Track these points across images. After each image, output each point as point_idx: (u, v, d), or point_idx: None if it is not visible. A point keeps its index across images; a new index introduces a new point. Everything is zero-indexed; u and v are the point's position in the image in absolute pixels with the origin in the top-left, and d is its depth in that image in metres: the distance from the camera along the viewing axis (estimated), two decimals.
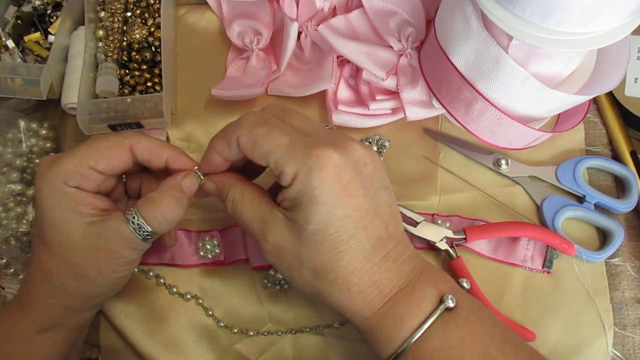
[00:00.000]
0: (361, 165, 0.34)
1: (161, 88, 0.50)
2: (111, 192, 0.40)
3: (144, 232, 0.36)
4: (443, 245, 0.45)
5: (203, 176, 0.39)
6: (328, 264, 0.33)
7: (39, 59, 0.53)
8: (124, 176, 0.42)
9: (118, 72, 0.51)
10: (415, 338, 0.32)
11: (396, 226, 0.36)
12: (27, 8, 0.54)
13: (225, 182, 0.38)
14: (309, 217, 0.33)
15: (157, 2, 0.54)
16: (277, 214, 0.35)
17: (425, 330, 0.32)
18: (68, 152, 0.37)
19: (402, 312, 0.33)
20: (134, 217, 0.36)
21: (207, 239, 0.47)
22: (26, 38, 0.53)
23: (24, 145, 0.50)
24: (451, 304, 0.33)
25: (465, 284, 0.35)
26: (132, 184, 0.42)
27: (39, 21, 0.54)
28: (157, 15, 0.53)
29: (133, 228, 0.36)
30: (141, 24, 0.52)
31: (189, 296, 0.46)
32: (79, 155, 0.37)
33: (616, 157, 0.50)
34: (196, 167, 0.39)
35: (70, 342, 0.40)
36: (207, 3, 0.55)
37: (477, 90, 0.42)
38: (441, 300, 0.33)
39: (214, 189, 0.39)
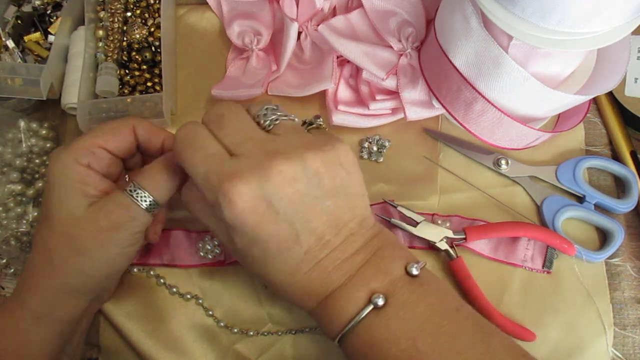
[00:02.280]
0: (284, 188, 0.33)
1: (161, 88, 0.50)
2: (116, 180, 0.42)
3: (144, 201, 0.38)
4: (443, 245, 0.45)
5: None
6: (260, 276, 0.36)
7: (39, 59, 0.53)
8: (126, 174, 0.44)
9: (118, 72, 0.51)
10: (339, 338, 0.34)
11: (337, 232, 0.35)
12: (27, 8, 0.54)
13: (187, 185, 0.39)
14: (234, 239, 0.34)
15: (157, 2, 0.54)
16: (219, 221, 0.36)
17: (354, 329, 0.34)
18: (79, 137, 0.39)
19: (331, 314, 0.35)
20: (132, 188, 0.38)
21: (207, 239, 0.47)
22: (26, 38, 0.53)
23: (24, 145, 0.50)
24: (380, 303, 0.33)
25: (414, 270, 0.34)
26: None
27: (39, 21, 0.54)
28: (157, 15, 0.53)
29: (133, 197, 0.38)
30: (141, 24, 0.52)
31: (189, 296, 0.46)
32: (89, 135, 0.39)
33: (616, 157, 0.50)
34: None
35: (64, 336, 0.40)
36: (207, 3, 0.55)
37: (477, 90, 0.42)
38: (369, 301, 0.34)
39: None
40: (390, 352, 0.33)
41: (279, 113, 0.37)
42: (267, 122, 0.36)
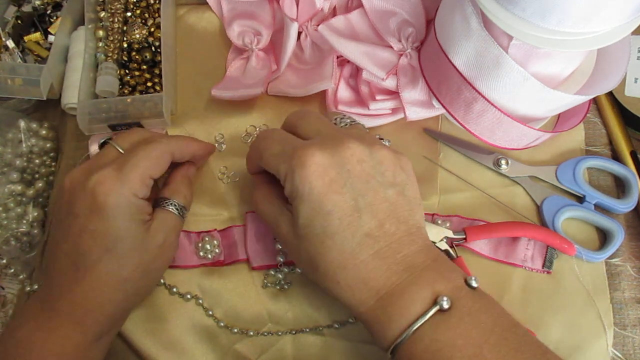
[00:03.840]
0: (352, 163, 0.36)
1: (161, 88, 0.50)
2: None
3: (181, 211, 0.44)
4: (443, 245, 0.45)
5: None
6: (318, 258, 0.35)
7: (39, 59, 0.53)
8: None
9: (118, 72, 0.51)
10: (401, 339, 0.33)
11: (397, 224, 0.36)
12: (27, 8, 0.54)
13: (255, 182, 0.44)
14: (297, 213, 0.36)
15: (157, 2, 0.54)
16: (284, 210, 0.39)
17: (416, 332, 0.33)
18: (127, 165, 0.40)
19: (392, 312, 0.34)
20: (173, 205, 0.43)
21: (207, 239, 0.47)
22: (26, 38, 0.53)
23: (24, 145, 0.50)
24: (445, 306, 0.33)
25: (473, 282, 0.35)
26: None
27: (39, 21, 0.54)
28: (157, 15, 0.53)
29: (178, 212, 0.43)
30: (141, 24, 0.52)
31: (189, 296, 0.46)
32: (142, 167, 0.40)
33: (616, 157, 0.50)
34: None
35: (112, 341, 0.43)
36: (207, 3, 0.55)
37: (477, 90, 0.42)
38: (435, 302, 0.33)
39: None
40: (454, 358, 0.32)
41: (353, 118, 0.43)
42: (343, 124, 0.42)
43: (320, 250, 0.35)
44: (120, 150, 0.43)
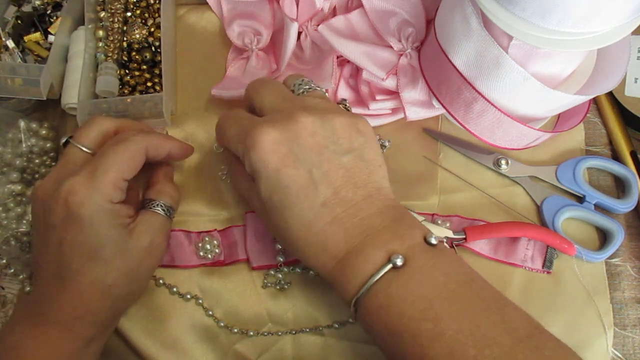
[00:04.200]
0: (304, 137, 0.36)
1: (161, 88, 0.50)
2: None
3: (167, 211, 0.44)
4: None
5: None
6: (281, 229, 0.37)
7: (39, 59, 0.53)
8: None
9: (118, 72, 0.51)
10: (357, 297, 0.34)
11: (354, 189, 0.36)
12: (27, 8, 0.53)
13: (227, 157, 0.45)
14: (258, 189, 0.37)
15: (157, 2, 0.54)
16: (253, 186, 0.39)
17: (371, 289, 0.34)
18: (97, 171, 0.39)
19: (349, 273, 0.35)
20: (159, 206, 0.43)
21: (207, 239, 0.47)
22: (26, 38, 0.53)
23: (24, 145, 0.50)
24: (399, 263, 0.34)
25: (432, 240, 0.35)
26: None
27: (39, 21, 0.54)
28: (157, 15, 0.53)
29: (164, 213, 0.43)
30: (141, 24, 0.52)
31: (189, 296, 0.46)
32: (113, 171, 0.39)
33: (616, 157, 0.50)
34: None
35: (104, 345, 0.43)
36: (207, 3, 0.55)
37: (477, 90, 0.42)
38: (389, 260, 0.34)
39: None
40: (406, 313, 0.33)
41: (312, 84, 0.42)
42: (301, 90, 0.41)
43: (282, 222, 0.37)
44: (84, 149, 0.42)
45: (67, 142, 0.43)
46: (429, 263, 0.34)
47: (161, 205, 0.43)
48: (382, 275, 0.34)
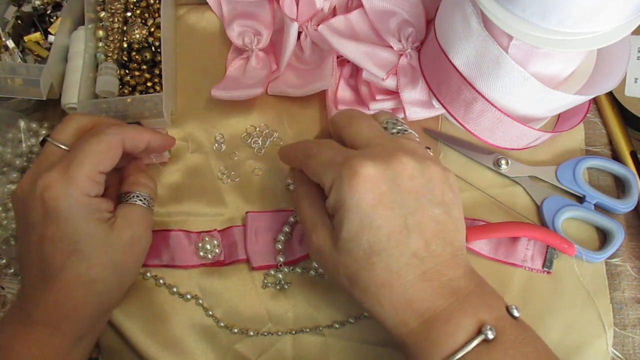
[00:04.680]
0: (403, 178, 0.34)
1: (161, 88, 0.50)
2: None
3: (147, 203, 0.43)
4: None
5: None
6: (360, 274, 0.34)
7: (39, 59, 0.53)
8: None
9: (118, 72, 0.51)
10: None
11: (444, 245, 0.34)
12: (27, 8, 0.53)
13: (297, 177, 0.41)
14: (342, 224, 0.34)
15: (157, 2, 0.54)
16: (326, 220, 0.37)
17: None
18: (72, 164, 0.38)
19: (435, 338, 0.32)
20: (137, 197, 0.42)
21: (207, 239, 0.47)
22: (26, 38, 0.53)
23: (24, 145, 0.50)
24: (490, 336, 0.31)
25: (515, 312, 0.34)
26: None
27: (39, 21, 0.54)
28: (157, 15, 0.53)
29: (143, 204, 0.42)
30: (141, 24, 0.52)
31: (189, 296, 0.46)
32: (88, 164, 0.38)
33: (616, 157, 0.50)
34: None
35: (94, 343, 0.43)
36: (207, 3, 0.55)
37: (477, 90, 0.42)
38: (479, 331, 0.32)
39: (296, 174, 0.42)
40: None
41: (406, 126, 0.40)
42: (396, 130, 0.39)
43: (365, 266, 0.34)
44: (61, 146, 0.41)
45: (44, 141, 0.42)
46: (518, 338, 0.32)
47: (138, 196, 0.42)
48: (474, 347, 0.31)
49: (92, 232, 0.38)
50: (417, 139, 0.39)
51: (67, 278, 0.38)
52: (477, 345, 0.31)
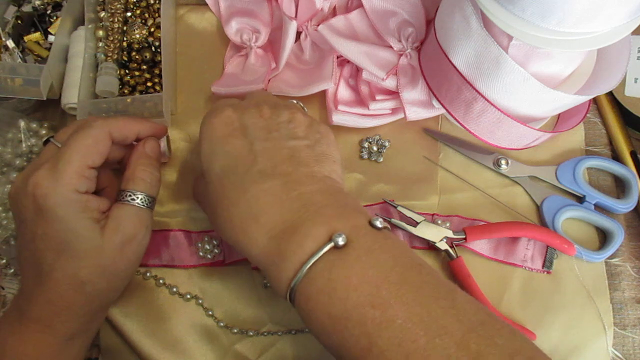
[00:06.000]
0: (257, 118, 0.38)
1: (161, 88, 0.50)
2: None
3: (145, 202, 0.40)
4: (443, 246, 0.45)
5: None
6: (216, 199, 0.36)
7: (39, 59, 0.53)
8: None
9: (118, 72, 0.51)
10: (296, 280, 0.31)
11: (296, 166, 0.36)
12: (27, 8, 0.53)
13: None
14: (201, 155, 0.38)
15: (157, 2, 0.54)
16: (201, 177, 0.40)
17: (310, 271, 0.31)
18: (60, 161, 0.37)
19: (284, 250, 0.32)
20: (131, 196, 0.40)
21: (206, 239, 0.47)
22: (26, 38, 0.53)
23: (24, 145, 0.50)
24: (340, 243, 0.31)
25: (378, 223, 0.32)
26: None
27: (39, 21, 0.54)
28: (157, 15, 0.53)
29: (138, 203, 0.40)
30: (141, 24, 0.52)
31: (188, 296, 0.46)
32: (76, 159, 0.38)
33: (616, 157, 0.50)
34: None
35: (90, 343, 0.42)
36: (207, 3, 0.55)
37: (477, 90, 0.42)
38: (330, 239, 0.31)
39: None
40: (350, 298, 0.30)
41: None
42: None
43: (219, 189, 0.36)
44: (59, 146, 0.40)
45: (47, 141, 0.42)
46: (375, 245, 0.32)
47: (131, 195, 0.40)
48: (323, 256, 0.31)
49: (81, 232, 0.37)
50: (300, 107, 0.43)
51: (57, 277, 0.37)
52: (330, 254, 0.31)
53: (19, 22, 0.53)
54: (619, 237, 0.45)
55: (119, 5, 0.52)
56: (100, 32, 0.52)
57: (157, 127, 0.44)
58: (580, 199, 0.48)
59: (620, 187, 0.49)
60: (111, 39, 0.51)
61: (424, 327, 0.29)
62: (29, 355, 0.37)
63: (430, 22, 0.48)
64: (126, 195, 0.40)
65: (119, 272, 0.40)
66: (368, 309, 0.29)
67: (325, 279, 0.31)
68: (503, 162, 0.49)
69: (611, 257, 0.46)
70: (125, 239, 0.39)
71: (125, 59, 0.52)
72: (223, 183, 0.36)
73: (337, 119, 0.49)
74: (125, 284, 0.42)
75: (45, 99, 0.48)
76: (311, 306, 0.31)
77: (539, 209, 0.48)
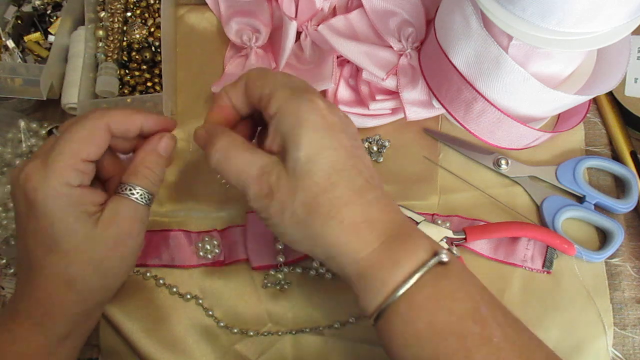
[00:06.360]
0: (344, 117, 0.36)
1: (161, 88, 0.50)
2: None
3: (144, 198, 0.38)
4: (443, 246, 0.45)
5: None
6: (321, 195, 0.33)
7: (39, 59, 0.53)
8: None
9: (118, 72, 0.51)
10: (411, 283, 0.32)
11: (379, 182, 0.36)
12: (27, 8, 0.54)
13: (216, 128, 0.38)
14: (300, 145, 0.33)
15: (157, 2, 0.54)
16: (266, 155, 0.35)
17: (419, 279, 0.32)
18: (52, 153, 0.36)
19: (397, 255, 0.32)
20: (131, 190, 0.38)
21: (207, 239, 0.47)
22: (26, 38, 0.53)
23: (24, 145, 0.50)
24: (445, 259, 0.32)
25: (455, 251, 0.35)
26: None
27: (39, 21, 0.54)
28: (157, 15, 0.53)
29: (137, 198, 0.38)
30: (141, 24, 0.52)
31: (189, 296, 0.46)
32: (69, 151, 0.36)
33: (616, 157, 0.50)
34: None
35: (83, 344, 0.40)
36: (207, 3, 0.55)
37: (477, 90, 0.42)
38: (435, 253, 0.32)
39: (204, 134, 0.38)
40: (454, 310, 0.31)
41: None
42: None
43: (326, 186, 0.33)
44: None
45: (50, 132, 0.41)
46: (465, 268, 0.33)
47: (131, 189, 0.38)
48: (431, 268, 0.32)
49: (71, 227, 0.35)
50: None
51: (47, 275, 0.36)
52: (435, 266, 0.32)
53: (19, 22, 0.53)
54: (619, 237, 0.45)
55: (119, 5, 0.52)
56: (100, 32, 0.52)
57: (165, 121, 0.41)
58: (580, 199, 0.48)
59: (620, 187, 0.49)
60: (111, 39, 0.51)
61: (517, 349, 0.31)
62: (20, 354, 0.36)
63: (430, 22, 0.48)
64: (125, 189, 0.38)
65: (112, 269, 0.38)
66: (470, 323, 0.30)
67: (433, 288, 0.32)
68: (503, 162, 0.49)
69: (611, 257, 0.46)
70: (120, 232, 0.37)
71: (125, 59, 0.52)
72: (333, 180, 0.33)
73: None
74: (120, 283, 0.40)
75: (45, 99, 0.48)
76: (413, 314, 0.31)
77: (539, 209, 0.48)
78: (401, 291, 0.32)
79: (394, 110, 0.50)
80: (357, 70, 0.51)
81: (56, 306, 0.37)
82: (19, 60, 0.51)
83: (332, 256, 0.34)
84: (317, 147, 0.33)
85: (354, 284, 0.34)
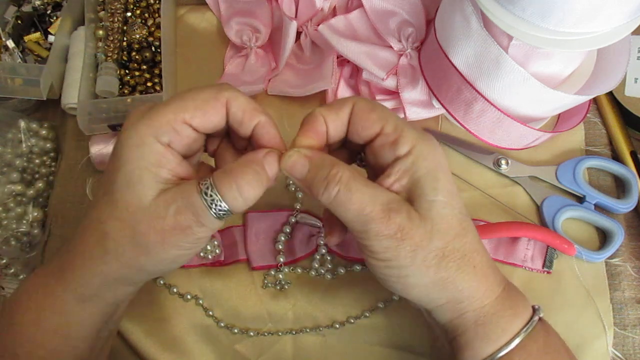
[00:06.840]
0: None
1: (161, 88, 0.50)
2: (193, 157, 0.36)
3: (217, 207, 0.32)
4: None
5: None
6: (456, 240, 0.33)
7: (39, 59, 0.53)
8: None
9: (118, 72, 0.51)
10: (527, 332, 0.34)
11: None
12: (27, 8, 0.54)
13: (324, 157, 0.33)
14: (438, 187, 0.32)
15: (157, 2, 0.54)
16: (393, 194, 0.33)
17: (534, 327, 0.34)
18: (160, 104, 0.33)
19: (516, 304, 0.35)
20: (207, 188, 0.31)
21: None
22: (26, 38, 0.53)
23: (24, 145, 0.50)
24: (541, 314, 0.35)
25: (541, 312, 0.37)
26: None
27: (39, 21, 0.54)
28: (157, 15, 0.53)
29: (206, 201, 0.31)
30: (141, 24, 0.52)
31: (189, 296, 0.46)
32: (173, 107, 0.32)
33: (616, 157, 0.50)
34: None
35: (106, 316, 0.36)
36: (206, 3, 0.55)
37: (477, 90, 0.42)
38: (534, 309, 0.35)
39: (305, 164, 0.33)
40: (560, 353, 0.35)
41: None
42: None
43: (459, 232, 0.33)
44: None
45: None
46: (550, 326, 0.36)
47: (213, 197, 0.31)
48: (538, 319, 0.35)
49: (129, 180, 0.32)
50: None
51: (89, 219, 0.33)
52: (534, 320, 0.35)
53: (19, 22, 0.53)
54: (619, 237, 0.45)
55: (119, 5, 0.52)
56: (100, 32, 0.52)
57: (280, 138, 0.35)
58: (580, 199, 0.48)
59: (620, 187, 0.49)
60: (111, 39, 0.51)
61: None
62: (38, 303, 0.34)
63: (430, 22, 0.48)
64: (206, 184, 0.32)
65: (147, 246, 0.32)
66: None
67: (544, 339, 0.34)
68: (503, 162, 0.49)
69: (611, 257, 0.46)
70: (172, 222, 0.32)
71: (125, 59, 0.52)
72: (464, 226, 0.33)
73: None
74: (148, 275, 0.36)
75: (45, 99, 0.48)
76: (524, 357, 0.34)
77: (539, 209, 0.48)
78: (517, 340, 0.33)
79: (394, 110, 0.50)
80: (357, 70, 0.51)
81: (82, 257, 0.34)
82: (19, 60, 0.51)
83: (458, 300, 0.33)
84: (451, 192, 0.33)
85: (466, 330, 0.34)
